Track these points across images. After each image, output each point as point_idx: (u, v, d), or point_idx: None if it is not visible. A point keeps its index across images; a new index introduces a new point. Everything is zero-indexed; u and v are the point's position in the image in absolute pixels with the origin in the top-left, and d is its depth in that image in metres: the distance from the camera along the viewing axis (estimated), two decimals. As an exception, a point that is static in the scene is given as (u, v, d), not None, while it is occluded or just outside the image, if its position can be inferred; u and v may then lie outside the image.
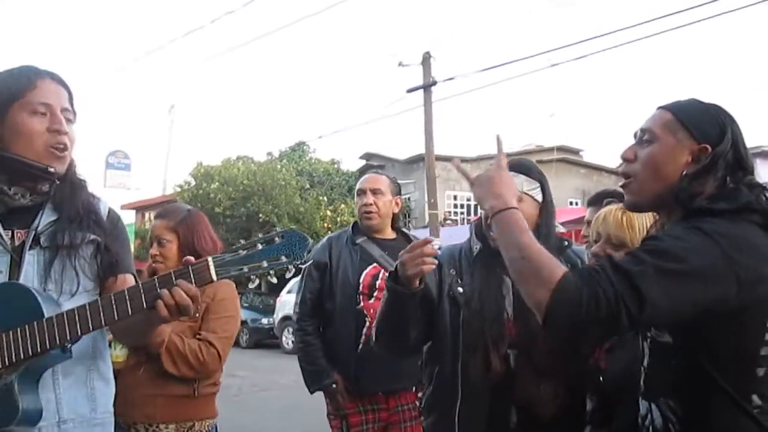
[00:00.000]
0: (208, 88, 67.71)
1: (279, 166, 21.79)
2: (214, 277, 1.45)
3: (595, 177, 23.76)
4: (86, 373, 1.62)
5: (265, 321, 16.71)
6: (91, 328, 1.47)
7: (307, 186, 22.24)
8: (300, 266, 1.45)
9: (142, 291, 1.46)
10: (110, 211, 1.76)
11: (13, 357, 1.45)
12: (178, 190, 22.49)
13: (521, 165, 1.98)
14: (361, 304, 2.91)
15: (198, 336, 2.39)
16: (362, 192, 3.05)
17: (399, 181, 3.28)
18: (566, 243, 2.04)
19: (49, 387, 1.53)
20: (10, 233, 1.58)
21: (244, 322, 16.98)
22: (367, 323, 2.85)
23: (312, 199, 21.09)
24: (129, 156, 26.43)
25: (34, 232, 1.58)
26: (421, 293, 1.82)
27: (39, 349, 1.44)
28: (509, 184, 1.48)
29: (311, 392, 3.03)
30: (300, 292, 3.07)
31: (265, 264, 1.44)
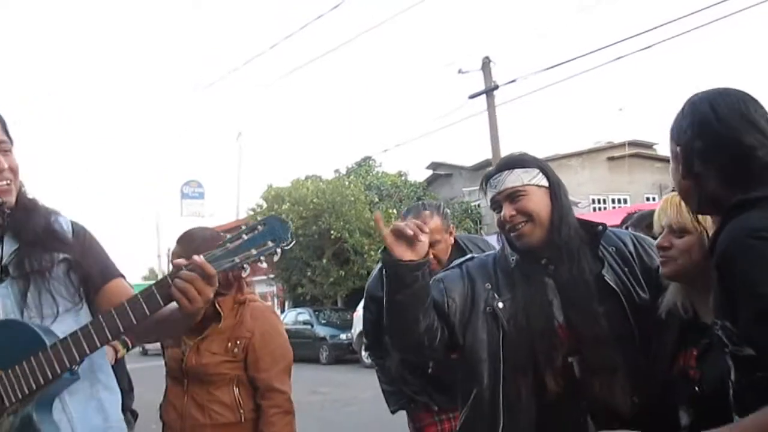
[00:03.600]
0: (273, 112, 69.44)
1: (347, 183, 22.01)
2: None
3: None
4: (90, 387, 1.63)
5: (343, 336, 16.85)
6: (98, 345, 1.48)
7: (376, 200, 22.35)
8: (285, 248, 1.50)
9: (142, 299, 1.48)
10: (73, 224, 1.74)
11: (25, 389, 1.46)
12: (251, 213, 23.08)
13: (511, 160, 1.90)
14: None
15: (255, 386, 2.35)
16: None
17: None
18: (600, 228, 1.90)
19: (58, 409, 1.55)
20: None
21: (323, 339, 17.20)
22: None
23: (382, 213, 21.16)
24: (202, 185, 27.40)
25: (0, 265, 1.58)
26: (423, 272, 1.71)
27: (50, 377, 1.46)
28: None
29: (392, 412, 3.06)
30: (363, 321, 3.11)
31: (254, 252, 1.48)
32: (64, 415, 1.56)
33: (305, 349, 16.38)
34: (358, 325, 15.58)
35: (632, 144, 22.99)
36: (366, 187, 22.63)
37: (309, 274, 21.25)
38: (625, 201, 22.07)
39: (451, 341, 1.85)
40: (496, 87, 15.11)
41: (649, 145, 24.48)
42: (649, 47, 11.66)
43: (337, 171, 25.69)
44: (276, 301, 25.21)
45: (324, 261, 20.89)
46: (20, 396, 1.47)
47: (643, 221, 2.60)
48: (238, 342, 2.33)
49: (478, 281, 1.87)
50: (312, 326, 17.72)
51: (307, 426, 2.55)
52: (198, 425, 2.33)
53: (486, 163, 19.20)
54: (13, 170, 1.61)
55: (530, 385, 1.73)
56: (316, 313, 18.52)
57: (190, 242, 2.42)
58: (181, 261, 1.51)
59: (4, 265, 1.59)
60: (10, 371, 1.48)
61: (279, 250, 1.49)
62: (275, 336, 2.44)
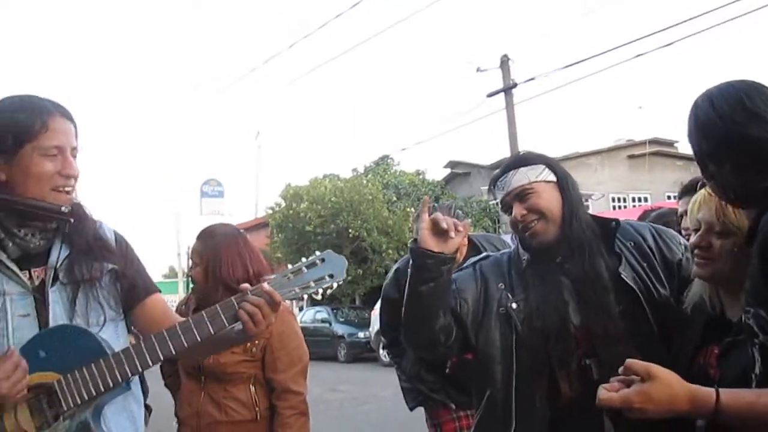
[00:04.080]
0: (291, 111, 69.70)
1: (365, 181, 22.03)
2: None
3: (693, 168, 21.85)
4: (124, 399, 1.65)
5: (361, 335, 16.88)
6: (161, 357, 1.55)
7: (394, 198, 22.36)
8: (340, 283, 1.63)
9: (207, 318, 1.56)
10: (116, 234, 1.76)
11: (84, 395, 1.49)
12: (270, 212, 23.20)
13: (515, 160, 1.88)
14: None
15: (272, 387, 2.39)
16: None
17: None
18: (614, 223, 1.86)
19: (97, 421, 1.56)
20: (27, 273, 1.59)
21: (341, 337, 17.25)
22: None
23: (399, 211, 21.18)
24: (222, 183, 27.58)
25: (53, 270, 1.60)
26: (449, 268, 1.72)
27: (111, 385, 1.50)
28: (665, 392, 1.26)
29: (410, 409, 3.06)
30: (380, 322, 3.12)
31: (312, 285, 1.61)
32: (103, 424, 1.58)
33: (323, 347, 16.43)
34: (376, 324, 15.60)
35: (653, 142, 22.75)
36: (384, 186, 22.64)
37: (327, 272, 21.26)
38: (646, 199, 21.84)
39: (465, 342, 1.84)
40: (515, 85, 15.03)
41: (670, 143, 24.19)
42: (669, 44, 11.52)
43: (355, 170, 25.76)
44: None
45: (342, 260, 20.91)
46: (78, 401, 1.49)
47: (661, 219, 2.57)
48: (256, 342, 2.34)
49: (491, 281, 1.86)
50: (330, 324, 17.77)
51: (326, 424, 2.58)
52: (214, 422, 2.36)
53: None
54: (77, 177, 1.64)
55: (544, 389, 1.71)
56: (334, 311, 18.57)
57: (210, 238, 2.46)
58: (246, 285, 1.61)
59: (56, 270, 1.61)
60: (69, 375, 1.50)
61: (335, 285, 1.62)
62: (293, 337, 2.47)
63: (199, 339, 1.54)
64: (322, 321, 18.16)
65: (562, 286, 1.77)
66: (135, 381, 1.71)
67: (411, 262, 1.76)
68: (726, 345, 1.53)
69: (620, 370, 1.32)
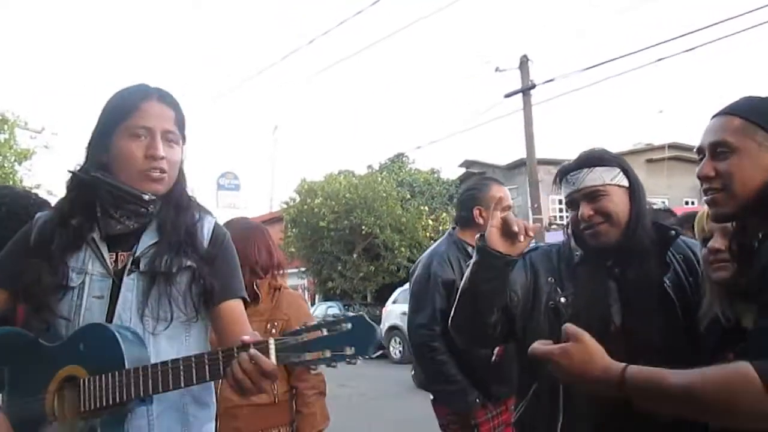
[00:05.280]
0: (309, 106, 69.91)
1: (380, 179, 22.05)
2: (274, 362, 1.35)
3: None
4: (180, 398, 1.58)
5: (372, 331, 16.89)
6: (171, 387, 1.41)
7: (408, 196, 22.37)
8: (364, 358, 1.33)
9: (207, 362, 1.40)
10: (216, 228, 1.71)
11: (96, 403, 1.43)
12: (284, 206, 23.29)
13: (592, 157, 1.82)
14: None
15: (292, 367, 2.41)
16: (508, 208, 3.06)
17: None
18: (673, 233, 1.83)
19: (142, 413, 1.51)
20: (114, 256, 1.58)
21: (351, 333, 17.28)
22: None
23: (413, 209, 21.19)
24: (238, 177, 27.68)
25: (133, 256, 1.58)
26: (511, 269, 1.72)
27: (119, 400, 1.42)
28: (583, 355, 1.31)
29: (456, 410, 2.88)
30: (423, 311, 2.93)
31: (327, 354, 1.32)
32: (146, 421, 1.52)
33: (334, 342, 16.41)
34: (387, 321, 15.63)
35: (672, 146, 22.55)
36: (398, 184, 22.66)
37: (339, 268, 21.37)
38: (664, 204, 21.63)
39: (510, 332, 1.84)
40: (534, 86, 14.95)
41: (689, 148, 23.92)
42: (691, 49, 11.39)
43: (370, 167, 25.79)
44: (306, 294, 25.43)
45: (354, 256, 20.98)
46: (92, 407, 1.45)
47: (687, 221, 2.55)
48: (276, 323, 2.44)
49: (541, 273, 1.85)
50: (341, 320, 17.83)
51: (334, 418, 2.58)
52: (233, 406, 2.39)
53: (520, 163, 19.06)
54: (171, 162, 1.61)
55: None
56: (346, 307, 18.62)
57: (238, 225, 2.55)
58: (247, 339, 1.39)
59: (136, 257, 1.58)
60: (91, 378, 1.46)
61: (355, 361, 1.34)
62: (309, 321, 2.51)
63: (208, 378, 1.42)
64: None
65: (609, 290, 1.77)
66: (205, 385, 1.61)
67: (475, 257, 1.75)
68: (741, 350, 1.54)
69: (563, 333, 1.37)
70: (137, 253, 1.58)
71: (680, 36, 12.53)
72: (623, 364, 1.27)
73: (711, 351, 1.65)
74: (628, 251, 1.77)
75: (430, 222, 21.26)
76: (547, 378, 1.74)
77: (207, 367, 1.39)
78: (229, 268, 1.70)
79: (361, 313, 1.37)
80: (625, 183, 1.81)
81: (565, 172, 1.84)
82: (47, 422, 1.49)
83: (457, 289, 2.87)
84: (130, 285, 1.57)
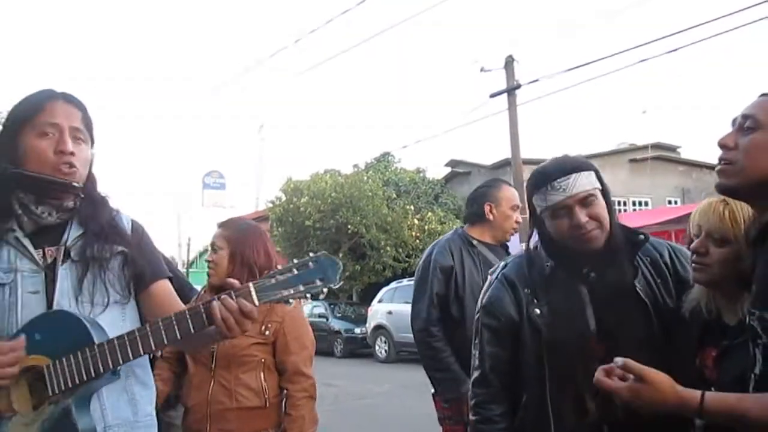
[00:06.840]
0: (295, 105, 69.68)
1: (365, 178, 22.02)
2: (256, 302, 1.50)
3: (695, 174, 22.56)
4: (125, 380, 1.66)
5: (357, 331, 16.90)
6: (142, 353, 1.53)
7: (394, 196, 22.36)
8: (333, 288, 1.52)
9: (189, 316, 1.52)
10: (133, 222, 1.81)
11: (69, 382, 1.51)
12: (270, 205, 23.21)
13: (576, 162, 1.82)
14: None
15: (284, 369, 2.47)
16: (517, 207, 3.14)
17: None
18: (642, 237, 1.86)
19: (94, 397, 1.59)
20: (41, 251, 1.63)
21: (337, 332, 17.27)
22: None
23: (399, 209, 21.19)
24: (224, 176, 27.60)
25: (64, 247, 1.64)
26: None
27: (93, 374, 1.51)
28: (654, 395, 1.35)
29: (448, 400, 2.93)
30: (422, 298, 3.02)
31: (301, 288, 1.50)
32: (98, 404, 1.60)
33: (320, 341, 16.17)
34: (372, 320, 15.65)
35: (655, 146, 22.74)
36: (384, 183, 22.64)
37: (325, 267, 21.24)
38: (647, 204, 21.85)
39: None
40: (519, 86, 15.01)
41: (672, 148, 24.20)
42: (674, 51, 11.51)
43: (356, 166, 25.73)
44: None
45: (340, 255, 20.95)
46: (63, 387, 1.51)
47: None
48: (269, 325, 2.45)
49: (518, 287, 1.86)
50: (327, 319, 17.79)
51: (323, 418, 2.59)
52: (224, 409, 2.40)
53: (505, 162, 19.12)
54: (80, 159, 1.65)
55: (572, 397, 1.72)
56: (332, 306, 18.58)
57: (236, 225, 2.61)
58: (234, 282, 1.55)
59: (67, 247, 1.64)
60: (57, 362, 1.52)
61: (325, 290, 1.52)
62: (303, 323, 2.59)
63: (179, 337, 1.53)
64: (319, 316, 18.17)
65: (583, 297, 1.78)
66: (142, 364, 1.73)
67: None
68: (723, 348, 1.57)
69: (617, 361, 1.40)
70: (67, 244, 1.64)
71: (663, 37, 12.67)
72: (698, 394, 1.32)
73: (692, 344, 1.69)
74: (609, 255, 1.78)
75: (416, 221, 21.27)
76: (535, 389, 1.78)
77: (204, 315, 1.51)
78: (153, 252, 1.82)
79: (323, 251, 1.54)
80: (599, 186, 1.81)
81: (551, 177, 1.79)
82: (6, 418, 1.53)
83: (455, 274, 2.92)
84: (64, 274, 1.62)
